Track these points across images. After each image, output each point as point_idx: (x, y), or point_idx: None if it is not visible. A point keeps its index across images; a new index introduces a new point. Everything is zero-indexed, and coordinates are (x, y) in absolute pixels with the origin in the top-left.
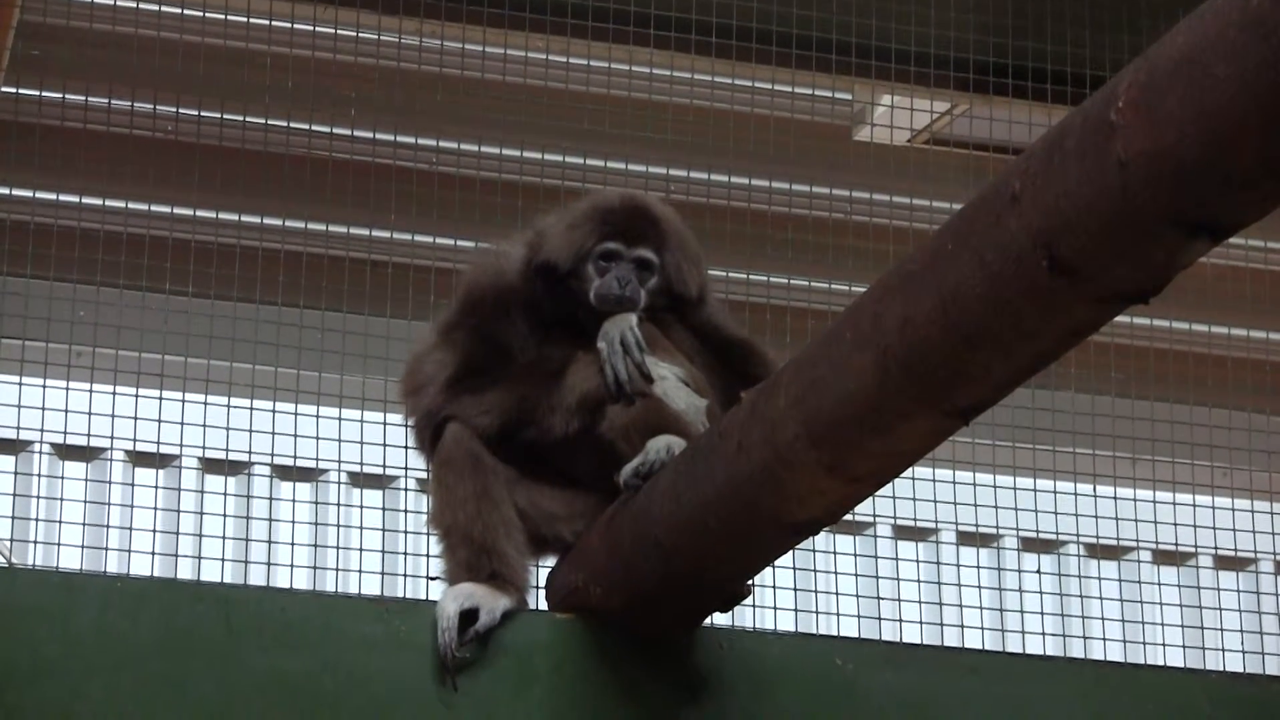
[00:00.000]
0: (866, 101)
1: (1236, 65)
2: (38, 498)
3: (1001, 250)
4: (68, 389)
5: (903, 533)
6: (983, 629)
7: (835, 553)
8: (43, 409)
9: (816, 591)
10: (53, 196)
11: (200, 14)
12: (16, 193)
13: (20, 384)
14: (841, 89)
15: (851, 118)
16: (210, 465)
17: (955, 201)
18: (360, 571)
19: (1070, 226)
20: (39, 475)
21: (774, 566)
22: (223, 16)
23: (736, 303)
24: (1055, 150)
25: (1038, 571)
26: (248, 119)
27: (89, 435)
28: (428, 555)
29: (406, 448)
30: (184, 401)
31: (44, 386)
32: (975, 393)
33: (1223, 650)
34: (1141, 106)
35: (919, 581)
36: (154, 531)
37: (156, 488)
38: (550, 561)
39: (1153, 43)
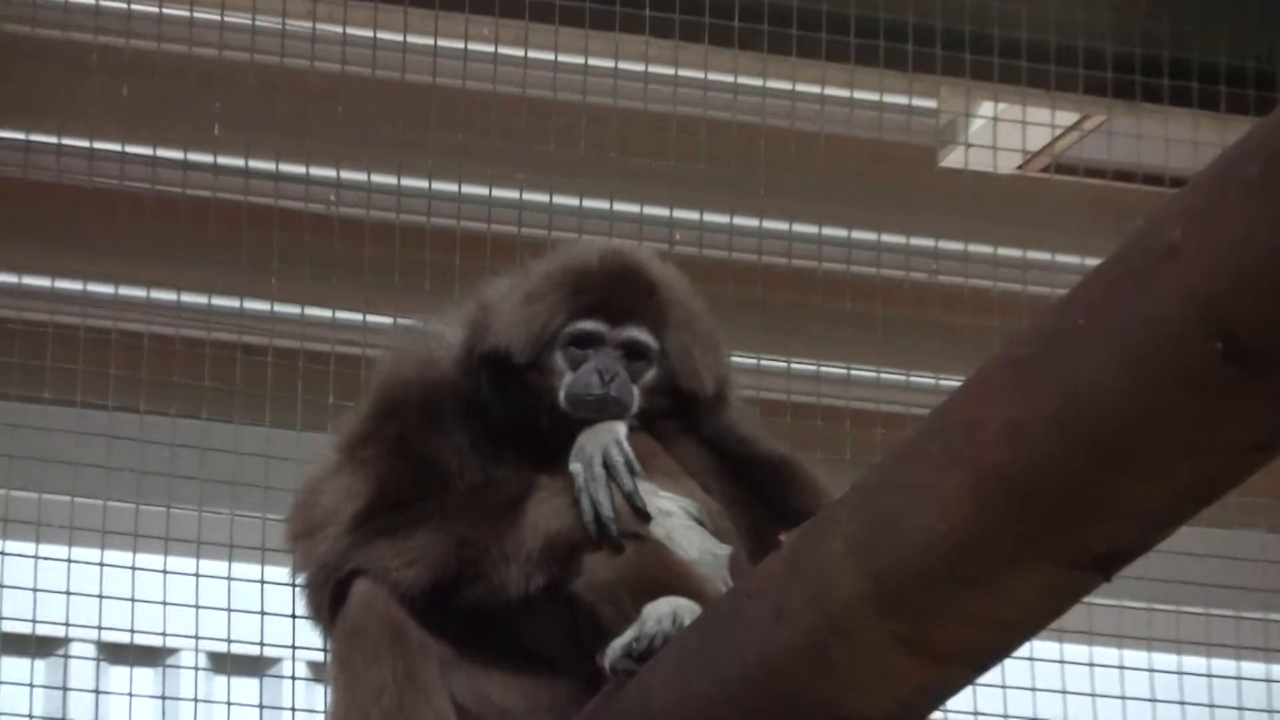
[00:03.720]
0: (958, 112)
1: None
2: None
3: (1153, 327)
4: None
5: None
6: None
7: None
8: None
9: None
10: None
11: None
12: None
13: None
14: (922, 94)
15: (937, 136)
16: (10, 643)
17: (1086, 255)
18: None
19: (1254, 292)
20: None
21: None
22: None
23: (771, 404)
24: (1232, 181)
25: None
26: (63, 141)
27: None
28: None
29: (294, 616)
30: None
31: None
32: (1117, 533)
33: None
34: None
35: None
36: None
37: None
38: None
39: None
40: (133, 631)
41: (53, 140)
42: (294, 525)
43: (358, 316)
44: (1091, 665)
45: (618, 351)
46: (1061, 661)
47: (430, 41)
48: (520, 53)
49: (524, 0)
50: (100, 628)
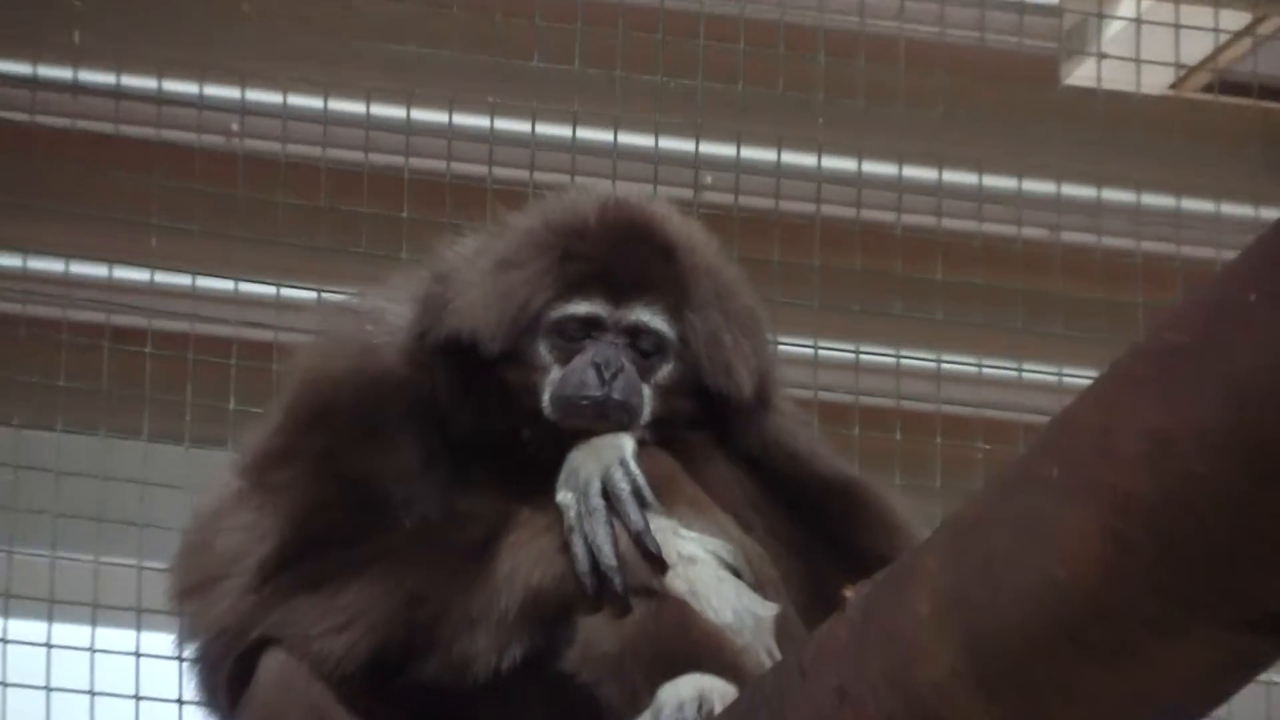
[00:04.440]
0: (1089, 12)
1: None
2: None
3: None
4: None
5: None
6: None
7: None
8: None
9: None
10: None
11: None
12: None
13: None
14: None
15: (1059, 42)
16: None
17: (1261, 204)
18: None
19: None
20: None
21: None
22: None
23: (834, 409)
24: None
25: None
26: None
27: None
28: None
29: (180, 700)
30: None
31: None
32: None
33: None
34: None
35: None
36: None
37: None
38: None
39: None
40: None
41: None
42: (182, 576)
43: (269, 289)
44: None
45: (623, 339)
46: None
47: None
48: None
49: None
50: None
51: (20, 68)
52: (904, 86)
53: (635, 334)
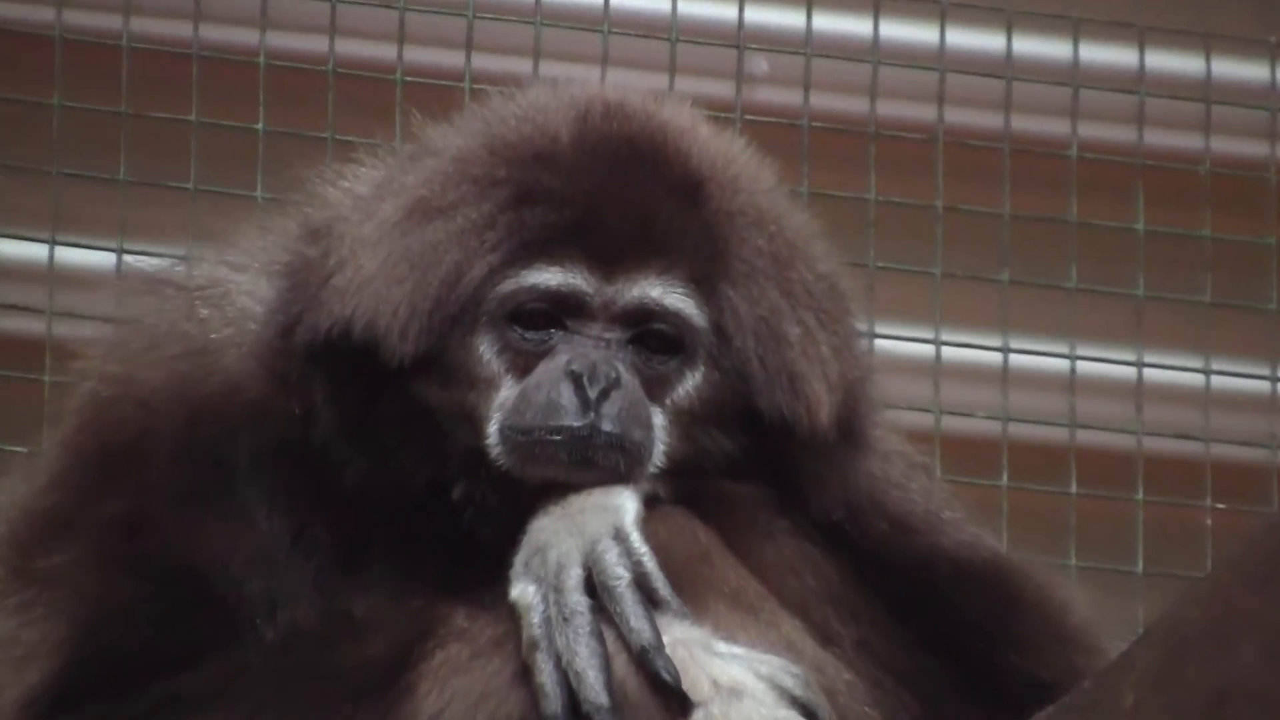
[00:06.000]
0: None
1: None
2: None
3: None
4: None
5: None
6: None
7: None
8: None
9: None
10: None
11: None
12: None
13: None
14: None
15: None
16: None
17: None
18: None
19: None
20: None
21: None
22: None
23: (969, 443)
24: None
25: None
26: None
27: None
28: None
29: None
30: None
31: None
32: None
33: None
34: None
35: None
36: None
37: None
38: None
39: None
40: None
41: None
42: None
43: (37, 249)
44: None
45: (618, 332)
46: None
47: None
48: None
49: None
50: None
51: None
52: None
53: (638, 322)
